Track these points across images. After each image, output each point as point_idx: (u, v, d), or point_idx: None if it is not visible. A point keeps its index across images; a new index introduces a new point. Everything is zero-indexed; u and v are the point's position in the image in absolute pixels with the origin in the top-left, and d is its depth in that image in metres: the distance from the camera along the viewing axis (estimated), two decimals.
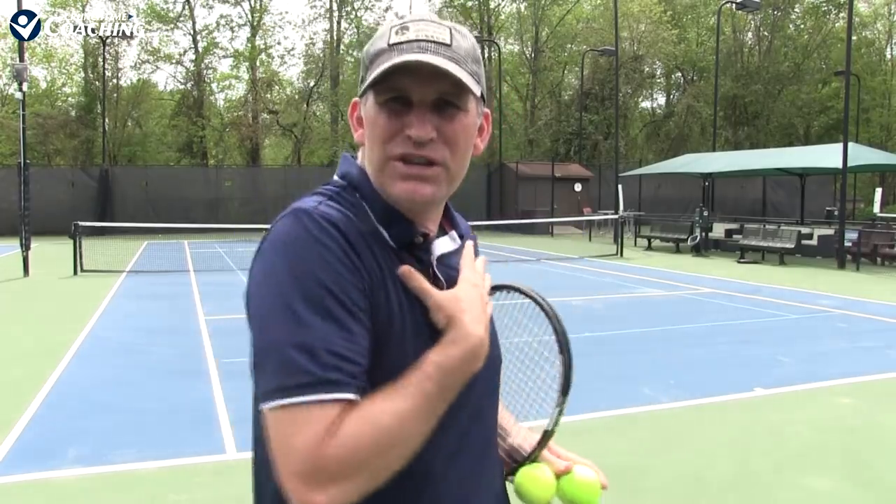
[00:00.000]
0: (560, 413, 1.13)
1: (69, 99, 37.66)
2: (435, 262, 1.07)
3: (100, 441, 4.82)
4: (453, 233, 1.14)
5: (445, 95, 1.00)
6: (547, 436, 1.14)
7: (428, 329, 0.99)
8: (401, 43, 0.99)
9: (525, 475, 1.15)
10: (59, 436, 4.93)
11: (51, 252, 18.85)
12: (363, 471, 0.87)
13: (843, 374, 6.66)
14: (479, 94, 1.03)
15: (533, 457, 1.16)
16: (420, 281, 0.99)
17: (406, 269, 0.99)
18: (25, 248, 14.27)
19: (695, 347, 7.91)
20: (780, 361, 7.21)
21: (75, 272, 14.39)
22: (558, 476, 1.16)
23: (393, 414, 0.89)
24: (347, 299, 0.92)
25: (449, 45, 1.00)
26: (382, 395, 0.90)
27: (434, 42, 0.99)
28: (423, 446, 0.95)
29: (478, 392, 1.05)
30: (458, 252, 1.12)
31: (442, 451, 1.01)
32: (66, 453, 4.58)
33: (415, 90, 0.99)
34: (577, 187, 30.94)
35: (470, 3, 40.78)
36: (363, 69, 1.05)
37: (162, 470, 4.35)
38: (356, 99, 1.09)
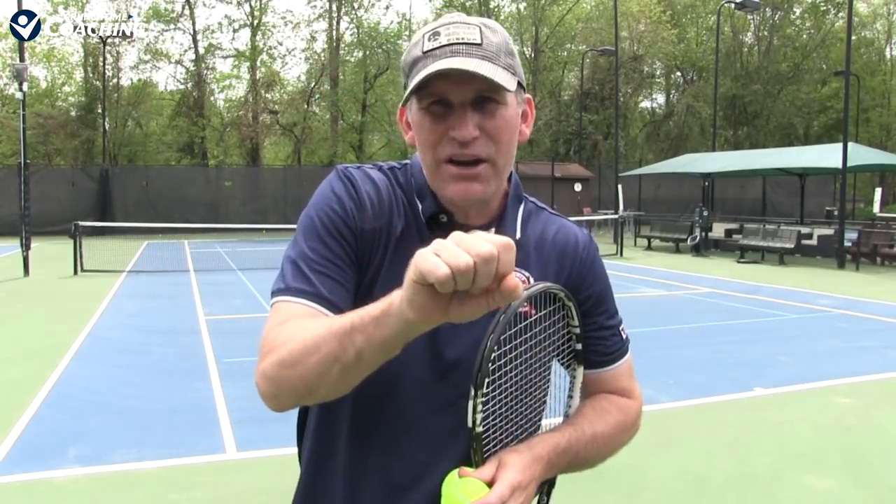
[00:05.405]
0: (474, 409, 0.92)
1: (69, 99, 37.53)
2: None
3: (100, 441, 4.83)
4: (493, 230, 1.09)
5: (483, 93, 1.03)
6: (469, 434, 0.95)
7: None
8: (433, 49, 1.03)
9: (446, 479, 0.98)
10: (59, 436, 4.93)
11: (51, 252, 18.84)
12: (279, 364, 0.95)
13: (843, 373, 6.66)
14: (514, 86, 1.05)
15: (474, 461, 0.97)
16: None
17: None
18: (25, 247, 14.27)
19: (694, 347, 7.91)
20: (780, 361, 7.22)
21: (75, 272, 14.39)
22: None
23: (309, 337, 0.92)
24: (335, 230, 1.07)
25: (480, 45, 1.03)
26: (329, 318, 0.97)
27: (465, 44, 1.03)
28: (336, 412, 1.10)
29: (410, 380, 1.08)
30: None
31: (359, 422, 1.10)
32: (66, 453, 4.59)
33: (453, 92, 1.03)
34: (577, 187, 30.96)
35: (469, 3, 40.77)
36: (404, 76, 1.10)
37: (162, 470, 4.35)
38: (401, 106, 1.15)
